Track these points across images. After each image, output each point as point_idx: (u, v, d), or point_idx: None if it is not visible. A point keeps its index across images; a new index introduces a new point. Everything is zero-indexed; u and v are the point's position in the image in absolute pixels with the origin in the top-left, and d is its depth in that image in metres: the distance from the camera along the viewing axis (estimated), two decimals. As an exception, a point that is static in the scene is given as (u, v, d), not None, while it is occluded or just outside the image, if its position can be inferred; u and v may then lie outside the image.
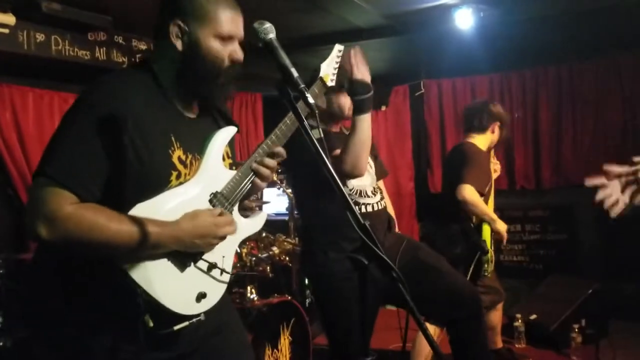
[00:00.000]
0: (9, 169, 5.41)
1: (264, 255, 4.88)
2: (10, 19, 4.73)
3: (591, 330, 5.71)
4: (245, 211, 2.38)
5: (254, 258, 4.68)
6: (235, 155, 2.47)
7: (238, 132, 2.30)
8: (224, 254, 2.21)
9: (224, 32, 2.13)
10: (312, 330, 4.63)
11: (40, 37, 5.11)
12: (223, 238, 2.13)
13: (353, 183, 3.56)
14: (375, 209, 3.63)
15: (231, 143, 2.33)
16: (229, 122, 2.34)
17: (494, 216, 4.89)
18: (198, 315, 2.11)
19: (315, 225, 3.52)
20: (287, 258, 5.27)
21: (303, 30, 6.30)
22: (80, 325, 2.02)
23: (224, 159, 2.25)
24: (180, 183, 2.10)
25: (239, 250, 4.55)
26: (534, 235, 7.54)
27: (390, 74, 8.13)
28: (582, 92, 7.14)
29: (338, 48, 2.48)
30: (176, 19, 2.11)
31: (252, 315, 4.18)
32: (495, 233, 4.89)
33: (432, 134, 8.17)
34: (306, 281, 6.25)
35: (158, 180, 2.05)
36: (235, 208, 2.26)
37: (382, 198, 3.73)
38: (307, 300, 6.18)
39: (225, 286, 2.24)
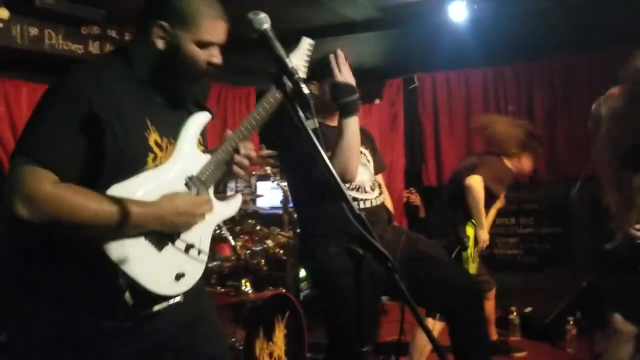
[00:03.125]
0: (3, 163, 5.39)
1: (259, 248, 4.88)
2: (3, 12, 4.72)
3: (586, 323, 5.73)
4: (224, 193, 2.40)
5: (248, 251, 4.68)
6: (207, 143, 2.49)
7: (212, 118, 2.34)
8: (201, 235, 2.25)
9: (205, 39, 2.19)
10: (307, 323, 4.62)
11: (34, 31, 5.10)
12: (201, 217, 2.17)
13: None
14: (374, 204, 3.60)
15: (203, 131, 2.36)
16: (203, 109, 2.37)
17: (484, 222, 4.94)
18: (176, 295, 2.14)
19: (313, 218, 3.51)
20: (282, 251, 5.27)
21: (295, 24, 6.28)
22: (64, 302, 2.04)
23: (197, 146, 2.28)
24: (156, 166, 2.13)
25: (233, 243, 4.54)
26: (528, 229, 7.54)
27: (383, 67, 8.13)
28: (576, 85, 7.14)
29: (308, 42, 2.47)
30: (160, 20, 2.15)
31: (247, 308, 4.18)
32: (476, 236, 4.94)
33: (426, 127, 8.16)
34: (300, 274, 6.25)
35: (134, 162, 2.08)
36: (211, 191, 2.30)
37: (380, 193, 3.71)
38: (302, 293, 6.18)
39: (203, 266, 2.27)
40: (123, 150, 2.03)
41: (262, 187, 7.18)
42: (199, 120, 2.27)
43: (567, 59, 7.20)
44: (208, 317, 2.49)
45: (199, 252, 2.22)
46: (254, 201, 6.45)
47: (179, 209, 2.07)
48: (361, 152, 3.65)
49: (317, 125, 1.77)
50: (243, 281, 4.53)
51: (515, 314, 5.88)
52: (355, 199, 3.52)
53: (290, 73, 1.78)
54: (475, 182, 4.81)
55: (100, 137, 1.98)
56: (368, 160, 3.76)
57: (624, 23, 6.25)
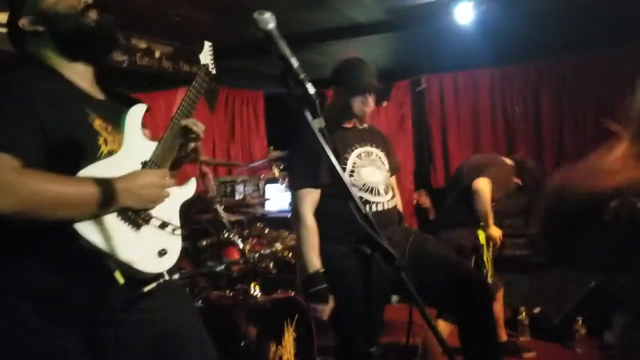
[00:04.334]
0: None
1: (267, 251, 4.87)
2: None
3: (595, 323, 5.71)
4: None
5: (257, 254, 4.68)
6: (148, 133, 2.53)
7: (148, 110, 2.37)
8: (171, 214, 2.29)
9: None
10: (316, 327, 4.61)
11: (40, 36, 5.11)
12: (167, 189, 2.22)
13: (365, 179, 3.57)
14: (385, 207, 3.62)
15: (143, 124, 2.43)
16: (136, 101, 2.41)
17: (491, 221, 4.94)
18: (162, 274, 2.17)
19: (324, 219, 3.51)
20: (290, 254, 5.27)
21: (302, 27, 6.30)
22: (53, 291, 2.01)
23: (143, 134, 2.32)
24: (110, 152, 2.17)
25: (241, 246, 4.55)
26: (536, 229, 7.51)
27: (391, 69, 8.13)
28: (584, 86, 7.13)
29: (207, 44, 2.63)
30: (19, 18, 2.22)
31: (256, 312, 4.17)
32: (489, 238, 4.96)
33: (433, 128, 8.17)
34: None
35: (89, 146, 2.12)
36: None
37: (393, 196, 3.73)
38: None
39: (181, 242, 2.31)
40: (72, 137, 2.06)
41: (271, 190, 7.19)
42: (138, 110, 2.31)
43: (574, 60, 7.19)
44: (194, 328, 2.50)
45: (174, 228, 2.28)
46: (262, 204, 6.45)
47: (145, 180, 2.12)
48: (376, 155, 3.72)
49: (324, 124, 1.76)
50: (252, 284, 4.53)
51: (524, 314, 5.86)
52: (367, 202, 3.54)
53: (296, 73, 1.78)
54: (483, 185, 4.80)
55: (47, 130, 2.00)
56: (383, 163, 3.77)
57: (633, 23, 6.22)
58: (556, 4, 5.76)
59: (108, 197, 1.99)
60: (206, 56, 2.60)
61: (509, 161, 5.32)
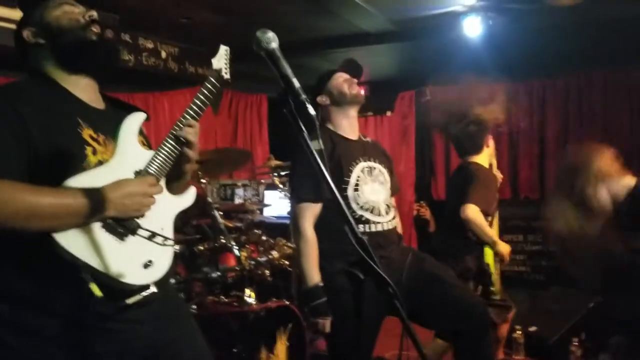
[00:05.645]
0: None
1: (264, 259, 4.84)
2: (16, 14, 4.73)
3: (591, 344, 5.68)
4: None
5: (253, 262, 4.65)
6: (150, 143, 2.49)
7: (148, 118, 2.34)
8: (162, 226, 2.23)
9: (57, 1, 2.28)
10: (309, 336, 4.59)
11: (47, 33, 5.10)
12: (151, 197, 2.15)
13: (367, 197, 3.52)
14: (385, 228, 3.56)
15: (142, 131, 2.38)
16: (137, 109, 2.37)
17: (496, 238, 4.84)
18: (148, 286, 2.10)
19: (321, 235, 3.47)
20: (287, 262, 5.24)
21: (311, 33, 6.30)
22: (29, 305, 1.99)
23: (140, 144, 2.28)
24: (100, 161, 2.14)
25: (238, 254, 4.52)
26: (536, 246, 7.50)
27: (396, 79, 8.14)
28: (590, 103, 7.11)
29: (224, 48, 2.56)
30: (23, 29, 2.25)
31: (250, 319, 4.15)
32: (497, 255, 4.87)
33: (436, 140, 8.15)
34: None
35: (75, 156, 2.08)
36: (163, 184, 2.27)
37: (394, 217, 3.68)
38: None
39: (171, 254, 2.25)
40: (58, 146, 2.04)
41: (270, 196, 7.18)
42: (135, 118, 2.27)
43: (581, 77, 7.18)
44: (193, 340, 2.48)
45: (164, 239, 2.21)
46: (261, 210, 6.43)
47: (126, 189, 2.05)
48: (379, 171, 3.67)
49: (322, 146, 1.75)
50: (247, 291, 4.51)
51: (519, 332, 5.83)
52: (367, 221, 3.49)
53: (297, 93, 1.76)
54: (472, 213, 4.67)
55: (32, 139, 1.99)
56: (385, 179, 3.71)
57: (638, 42, 6.22)
58: (563, 21, 5.76)
59: (88, 207, 1.94)
60: (220, 61, 2.52)
61: (483, 156, 5.14)
